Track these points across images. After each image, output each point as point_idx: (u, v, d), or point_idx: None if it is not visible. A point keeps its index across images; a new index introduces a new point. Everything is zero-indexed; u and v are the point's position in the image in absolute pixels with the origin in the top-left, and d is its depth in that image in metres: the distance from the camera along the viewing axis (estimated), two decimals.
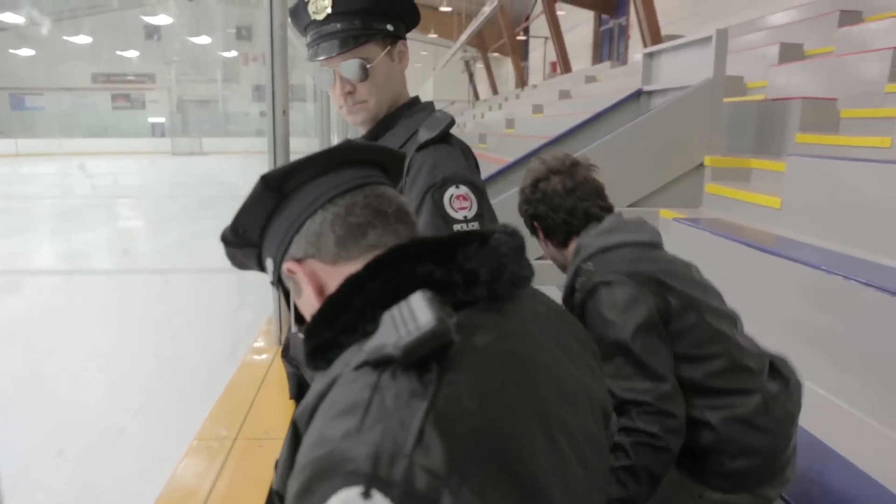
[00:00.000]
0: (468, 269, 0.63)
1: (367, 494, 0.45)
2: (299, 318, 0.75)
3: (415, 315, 0.55)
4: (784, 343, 2.44)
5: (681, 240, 3.33)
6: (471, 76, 24.58)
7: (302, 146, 1.80)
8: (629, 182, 4.28)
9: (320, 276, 0.69)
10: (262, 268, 0.76)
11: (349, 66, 1.19)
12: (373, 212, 0.69)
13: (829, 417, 2.04)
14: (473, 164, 1.23)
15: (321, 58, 1.20)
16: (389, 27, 1.20)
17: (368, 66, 1.20)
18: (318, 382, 0.59)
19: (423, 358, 0.53)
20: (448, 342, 0.54)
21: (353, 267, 0.66)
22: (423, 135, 1.18)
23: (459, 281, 0.63)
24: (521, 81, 21.41)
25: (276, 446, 1.21)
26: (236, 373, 1.57)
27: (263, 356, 1.69)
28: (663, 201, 4.30)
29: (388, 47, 1.21)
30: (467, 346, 0.57)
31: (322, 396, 0.57)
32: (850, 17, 5.81)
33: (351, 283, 0.63)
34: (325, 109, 3.29)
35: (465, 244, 0.65)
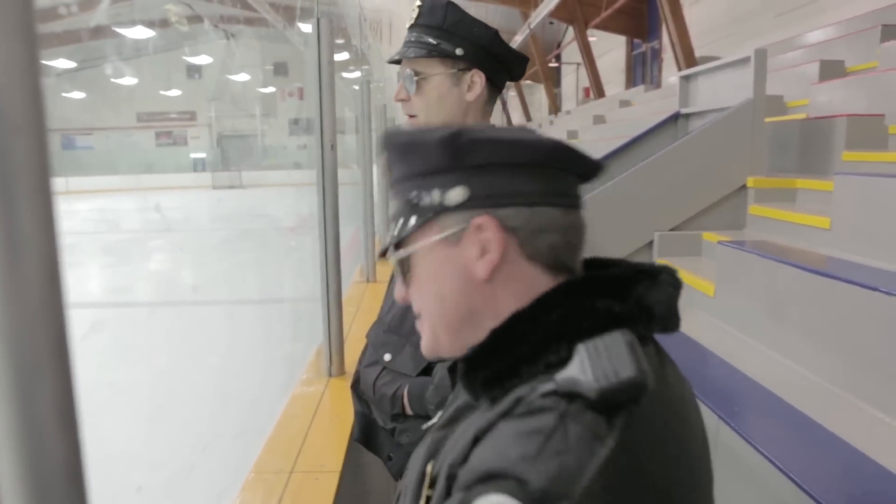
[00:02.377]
0: (645, 305, 0.61)
1: None
2: (399, 259, 0.67)
3: (613, 358, 0.53)
4: (839, 368, 2.37)
5: (727, 264, 3.27)
6: (504, 104, 24.72)
7: (344, 177, 1.83)
8: (671, 205, 4.24)
9: (507, 255, 0.62)
10: (416, 184, 0.65)
11: (405, 74, 1.24)
12: (582, 240, 0.66)
13: (890, 442, 1.96)
14: None
15: (388, 59, 1.26)
16: (459, 51, 1.21)
17: (416, 78, 1.22)
18: (483, 416, 0.58)
19: (616, 403, 0.52)
20: (644, 392, 0.53)
21: (541, 277, 0.63)
22: None
23: (640, 317, 0.60)
24: (555, 108, 21.47)
25: (331, 480, 1.21)
26: (288, 405, 1.58)
27: (313, 388, 1.71)
28: (706, 224, 4.23)
29: (455, 70, 1.22)
30: (654, 394, 0.55)
31: (503, 415, 0.55)
32: (892, 32, 5.70)
33: (521, 317, 0.60)
34: (367, 141, 3.34)
35: (638, 281, 0.63)
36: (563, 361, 0.55)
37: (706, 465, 0.63)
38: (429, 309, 0.67)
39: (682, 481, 0.56)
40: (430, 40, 1.22)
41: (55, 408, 0.36)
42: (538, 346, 0.58)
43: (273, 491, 1.16)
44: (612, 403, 0.52)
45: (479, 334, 0.62)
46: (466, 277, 0.63)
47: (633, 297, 0.61)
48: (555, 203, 0.63)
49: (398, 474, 1.25)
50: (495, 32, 1.24)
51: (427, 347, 0.69)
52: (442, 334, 0.67)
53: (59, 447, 0.37)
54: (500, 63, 1.24)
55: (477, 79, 1.22)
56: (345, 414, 1.47)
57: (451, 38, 1.21)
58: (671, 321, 0.62)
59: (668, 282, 0.64)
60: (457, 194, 0.62)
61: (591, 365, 0.53)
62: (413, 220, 0.64)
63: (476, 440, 0.55)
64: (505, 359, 0.59)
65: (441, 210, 0.62)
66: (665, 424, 0.57)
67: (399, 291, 0.70)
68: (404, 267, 0.67)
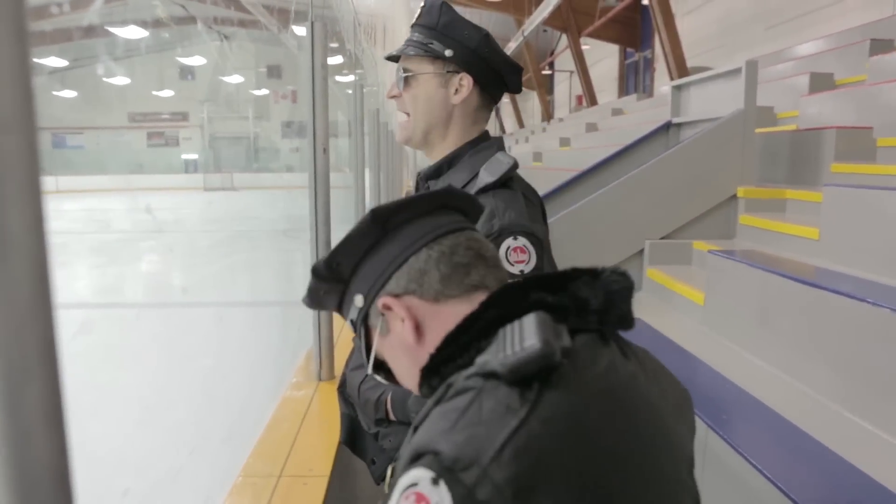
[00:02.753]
0: (580, 296, 0.65)
1: (435, 482, 0.51)
2: (378, 365, 0.77)
3: (524, 335, 0.57)
4: (827, 378, 2.38)
5: (717, 273, 3.28)
6: (497, 110, 24.78)
7: (337, 181, 1.83)
8: (661, 214, 4.26)
9: (419, 312, 0.70)
10: (339, 307, 0.77)
11: (397, 71, 1.25)
12: (474, 254, 0.71)
13: (877, 452, 1.97)
14: (538, 209, 1.21)
15: (385, 55, 1.26)
16: (449, 53, 1.20)
17: (405, 75, 1.22)
18: (430, 401, 0.62)
19: (526, 377, 0.55)
20: (552, 364, 0.55)
21: (455, 305, 0.69)
22: (484, 178, 1.15)
23: (571, 307, 0.64)
24: (548, 115, 21.56)
25: (320, 484, 1.20)
26: (277, 409, 1.57)
27: (303, 392, 1.70)
28: (697, 233, 4.25)
29: (444, 72, 1.21)
30: (575, 372, 0.58)
31: (437, 401, 0.60)
32: (881, 46, 5.77)
33: (470, 317, 0.66)
34: (360, 145, 3.34)
35: (575, 278, 0.67)
36: (487, 347, 0.60)
37: (652, 459, 0.60)
38: (407, 384, 0.76)
39: (608, 463, 0.56)
40: (424, 40, 1.22)
41: (43, 410, 0.36)
42: (473, 336, 0.64)
43: (261, 495, 1.15)
44: (521, 375, 0.55)
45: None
46: (408, 349, 0.71)
47: (569, 290, 0.65)
48: (418, 248, 0.70)
49: (380, 478, 1.24)
50: (485, 35, 1.22)
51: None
52: (409, 380, 0.74)
53: (46, 449, 0.36)
54: (490, 69, 1.22)
55: (465, 82, 1.21)
56: (334, 418, 1.46)
57: (443, 39, 1.21)
58: (611, 314, 0.65)
59: (611, 279, 0.66)
60: (358, 301, 0.73)
61: (503, 344, 0.58)
62: (361, 337, 0.76)
63: (416, 430, 0.60)
64: (445, 352, 0.65)
65: (361, 317, 0.74)
66: (593, 405, 0.57)
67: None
68: (386, 373, 0.78)
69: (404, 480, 0.53)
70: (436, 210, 0.73)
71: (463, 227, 0.73)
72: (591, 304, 0.64)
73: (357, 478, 1.74)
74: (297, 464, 1.28)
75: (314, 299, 0.77)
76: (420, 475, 0.52)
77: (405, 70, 1.23)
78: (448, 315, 0.68)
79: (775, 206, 4.04)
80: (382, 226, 0.71)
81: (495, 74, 1.23)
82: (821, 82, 5.52)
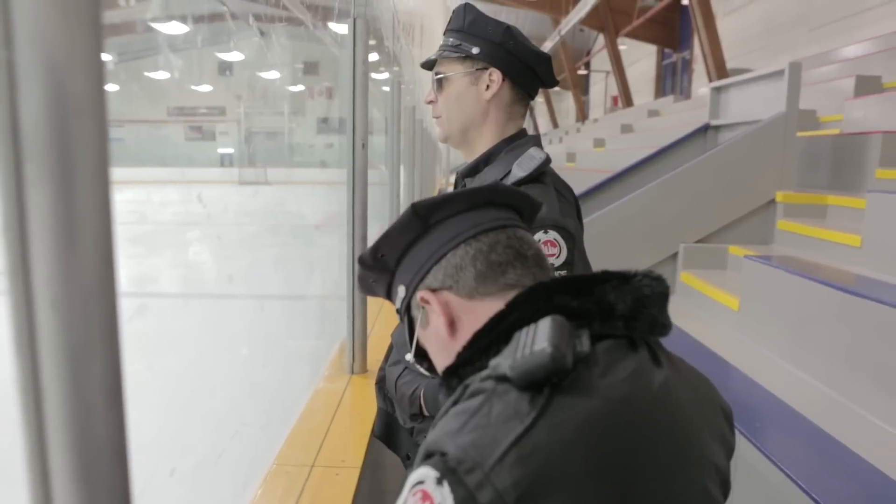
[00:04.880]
0: (605, 301, 0.63)
1: (439, 481, 0.51)
2: (420, 352, 0.78)
3: (536, 339, 0.56)
4: (865, 389, 2.32)
5: (752, 278, 3.23)
6: (531, 110, 24.68)
7: (372, 178, 1.85)
8: (697, 218, 4.20)
9: (454, 308, 0.71)
10: (388, 295, 0.78)
11: (432, 75, 1.27)
12: (514, 253, 0.70)
13: None
14: (571, 205, 1.20)
15: (420, 63, 1.31)
16: (475, 50, 1.21)
17: (437, 77, 1.25)
18: (448, 402, 0.62)
19: (536, 381, 0.54)
20: (563, 369, 0.54)
21: (489, 303, 0.68)
22: (516, 173, 1.16)
23: (595, 313, 0.62)
24: (582, 115, 21.39)
25: (352, 475, 1.22)
26: (310, 400, 1.60)
27: (335, 384, 1.72)
28: (733, 238, 4.19)
29: (473, 70, 1.23)
30: (590, 378, 0.57)
31: (454, 402, 0.60)
32: None
33: (495, 319, 0.65)
34: (396, 142, 3.36)
35: (605, 281, 0.65)
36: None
37: (670, 470, 0.59)
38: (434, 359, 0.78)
39: (619, 472, 0.54)
40: (454, 42, 1.24)
41: (104, 386, 0.37)
42: (494, 339, 0.63)
43: (295, 483, 1.17)
44: (529, 380, 0.54)
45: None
46: (443, 342, 0.72)
47: (595, 294, 0.64)
48: (457, 244, 0.70)
49: None
50: (506, 28, 1.23)
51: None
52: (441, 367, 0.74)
53: (106, 424, 0.38)
54: (518, 61, 1.23)
55: (494, 77, 1.22)
56: (366, 411, 1.48)
57: (470, 38, 1.22)
58: (640, 319, 0.63)
59: (642, 283, 0.65)
60: (401, 291, 0.74)
61: (517, 347, 0.57)
62: (406, 326, 0.77)
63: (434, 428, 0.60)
64: (466, 355, 0.65)
65: (405, 307, 0.75)
66: (607, 412, 0.56)
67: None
68: (420, 349, 0.78)
69: (413, 477, 0.54)
70: (479, 206, 0.72)
71: (506, 224, 0.72)
72: (618, 308, 0.62)
73: (386, 472, 1.76)
74: (329, 454, 1.30)
75: (365, 286, 0.79)
76: (427, 474, 0.52)
77: (437, 73, 1.26)
78: (481, 312, 0.68)
79: (815, 212, 3.96)
80: (423, 220, 0.71)
81: (524, 66, 1.24)
82: (867, 85, 5.38)
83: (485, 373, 0.59)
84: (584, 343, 0.58)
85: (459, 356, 0.67)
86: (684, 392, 0.65)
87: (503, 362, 0.56)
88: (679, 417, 0.62)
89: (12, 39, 0.34)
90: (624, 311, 0.62)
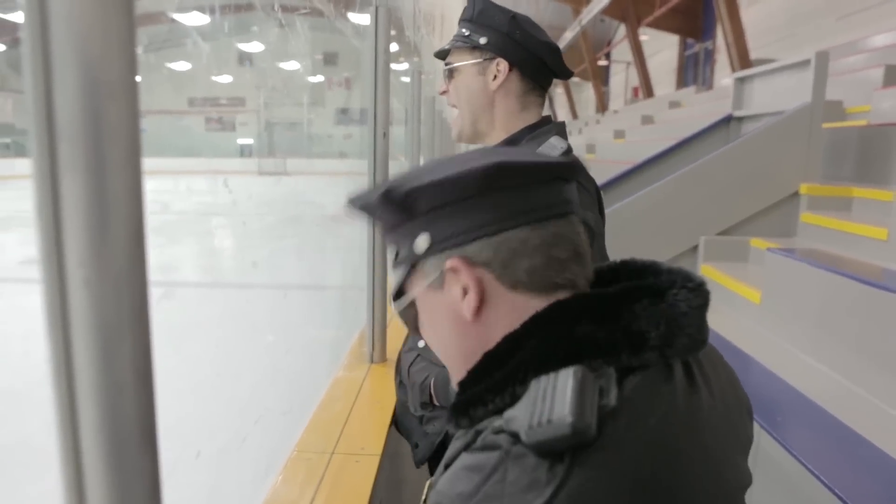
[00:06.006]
0: (635, 330, 0.54)
1: None
2: (408, 313, 0.68)
3: (555, 401, 0.49)
4: (890, 383, 2.29)
5: (775, 271, 3.19)
6: (550, 100, 24.56)
7: (392, 168, 1.85)
8: (719, 209, 4.16)
9: (488, 290, 0.60)
10: (393, 232, 0.64)
11: (444, 66, 1.28)
12: (573, 251, 0.61)
13: None
14: (592, 196, 1.19)
15: (434, 53, 1.32)
16: (483, 40, 1.21)
17: (447, 67, 1.26)
18: (458, 441, 0.57)
19: (556, 451, 0.48)
20: (584, 442, 0.48)
21: (529, 300, 0.59)
22: None
23: (625, 343, 0.54)
24: (602, 106, 21.22)
25: (371, 462, 1.23)
26: (330, 388, 1.61)
27: (355, 373, 1.73)
28: (755, 230, 4.14)
29: (481, 60, 1.23)
30: (617, 434, 0.50)
31: (466, 446, 0.55)
32: None
33: (509, 341, 0.58)
34: (416, 133, 3.36)
35: (635, 299, 0.57)
36: (522, 395, 0.52)
37: None
38: (439, 351, 0.67)
39: None
40: (464, 32, 1.25)
41: (134, 367, 0.38)
42: (508, 375, 0.55)
43: (315, 470, 1.18)
44: (548, 449, 0.48)
45: None
46: (457, 319, 0.61)
47: (622, 320, 0.55)
48: (519, 223, 0.58)
49: (421, 462, 1.26)
50: (512, 16, 1.22)
51: (454, 381, 0.68)
52: (454, 373, 0.65)
53: (136, 404, 0.38)
54: (525, 51, 1.22)
55: (501, 67, 1.22)
56: (385, 400, 1.49)
57: (478, 28, 1.23)
58: (676, 343, 0.55)
59: (678, 299, 0.56)
60: (422, 242, 0.61)
61: (532, 404, 0.50)
62: (401, 270, 0.64)
63: (446, 468, 0.56)
64: (476, 387, 0.57)
65: (416, 259, 0.62)
66: (635, 473, 0.50)
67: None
68: (408, 315, 0.68)
69: None
70: (552, 180, 0.61)
71: (570, 210, 0.62)
72: (650, 337, 0.54)
73: (404, 460, 1.77)
74: (349, 442, 1.31)
75: (366, 208, 0.64)
76: None
77: (447, 63, 1.27)
78: (517, 308, 0.59)
79: (840, 205, 3.89)
80: (488, 182, 0.58)
81: (532, 56, 1.23)
82: None
83: (498, 422, 0.52)
84: (611, 393, 0.51)
85: (465, 385, 0.59)
86: (719, 412, 0.59)
87: (519, 418, 0.50)
88: (713, 450, 0.57)
89: (48, 28, 0.34)
90: (657, 339, 0.54)
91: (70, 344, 0.37)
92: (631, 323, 0.55)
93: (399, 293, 0.66)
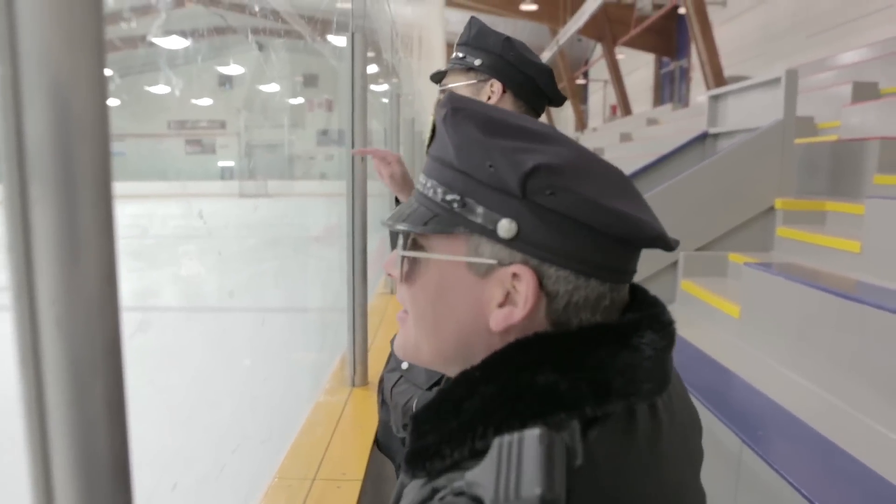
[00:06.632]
0: (600, 379, 0.50)
1: None
2: (404, 277, 0.59)
3: (522, 472, 0.44)
4: (867, 395, 2.32)
5: (753, 286, 3.23)
6: None
7: (372, 189, 1.86)
8: (697, 225, 4.21)
9: (531, 316, 0.53)
10: (465, 185, 0.53)
11: (438, 89, 1.32)
12: (615, 315, 0.56)
13: None
14: None
15: (430, 76, 1.36)
16: (477, 62, 1.24)
17: (441, 88, 1.30)
18: (414, 492, 0.53)
19: None
20: None
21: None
22: None
23: (588, 395, 0.49)
24: (581, 124, 21.46)
25: (353, 488, 1.22)
26: (311, 413, 1.60)
27: (336, 397, 1.72)
28: (733, 245, 4.19)
29: (475, 81, 1.25)
30: (584, 492, 0.47)
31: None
32: None
33: (465, 382, 0.53)
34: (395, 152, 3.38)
35: (598, 344, 0.52)
36: (483, 451, 0.47)
37: None
38: (420, 320, 0.59)
39: None
40: (459, 54, 1.28)
41: (107, 404, 0.38)
42: (466, 427, 0.50)
43: (296, 497, 1.17)
44: None
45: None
46: (475, 316, 0.55)
47: (587, 368, 0.51)
48: (607, 279, 0.53)
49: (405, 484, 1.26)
50: (505, 39, 1.26)
51: (403, 349, 0.62)
52: (426, 350, 0.59)
53: (109, 442, 0.38)
54: (518, 72, 1.24)
55: (495, 88, 1.25)
56: (367, 424, 1.48)
57: (473, 50, 1.26)
58: (639, 394, 0.51)
59: (642, 343, 0.52)
60: (506, 227, 0.51)
61: (496, 469, 0.45)
62: (439, 223, 0.54)
63: None
64: (437, 431, 0.52)
65: (481, 232, 0.53)
66: None
67: (387, 265, 0.61)
68: (407, 263, 0.58)
69: None
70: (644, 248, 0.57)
71: (631, 278, 0.58)
72: (614, 386, 0.50)
73: (387, 483, 1.76)
74: (330, 467, 1.30)
75: (475, 144, 0.53)
76: None
77: (442, 85, 1.29)
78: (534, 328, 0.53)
79: (814, 219, 3.97)
80: (625, 234, 0.52)
81: (525, 78, 1.26)
82: (864, 91, 5.41)
83: (458, 483, 0.47)
84: (578, 451, 0.47)
85: (419, 422, 0.54)
86: (678, 439, 0.57)
87: (482, 485, 0.45)
88: (674, 484, 0.55)
89: (17, 57, 0.35)
90: (621, 389, 0.50)
91: (41, 381, 0.37)
92: (595, 372, 0.50)
93: (413, 242, 0.57)
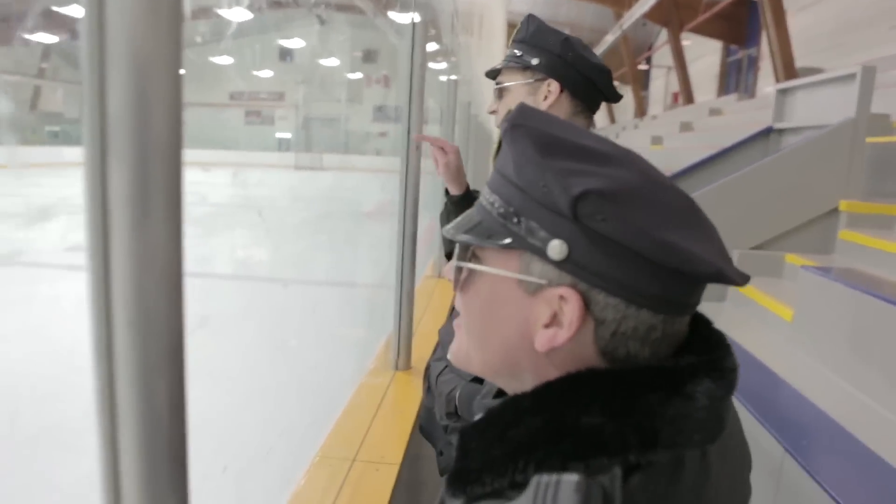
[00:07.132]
0: (646, 427, 0.48)
1: None
2: (461, 286, 0.59)
3: None
4: None
5: (809, 290, 3.13)
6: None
7: (425, 167, 1.88)
8: (754, 223, 4.09)
9: (577, 339, 0.52)
10: (521, 202, 0.53)
11: (494, 86, 1.31)
12: (670, 349, 0.54)
13: None
14: None
15: (485, 72, 1.35)
16: (535, 61, 1.24)
17: (497, 86, 1.29)
18: None
19: None
20: None
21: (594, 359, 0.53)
22: None
23: (634, 442, 0.47)
24: (641, 111, 20.98)
25: (391, 472, 1.26)
26: (354, 395, 1.64)
27: (379, 379, 1.76)
28: (791, 245, 4.06)
29: (532, 80, 1.25)
30: None
31: None
32: None
33: (514, 408, 0.52)
34: (450, 133, 3.39)
35: (649, 389, 0.49)
36: (522, 485, 0.47)
37: None
38: (471, 329, 0.59)
39: None
40: (516, 52, 1.27)
41: (170, 401, 0.41)
42: (507, 457, 0.49)
43: (337, 475, 1.21)
44: None
45: (514, 385, 0.56)
46: (522, 334, 0.54)
47: (635, 413, 0.49)
48: (660, 310, 0.51)
49: (444, 471, 1.29)
50: (565, 38, 1.24)
51: (456, 356, 0.62)
52: (476, 360, 0.59)
53: (170, 435, 0.41)
54: (577, 73, 1.24)
55: (552, 88, 1.24)
56: (408, 408, 1.52)
57: (531, 49, 1.25)
58: (688, 446, 0.49)
59: (696, 393, 0.50)
60: (556, 248, 0.50)
61: None
62: (496, 237, 0.54)
63: None
64: (475, 456, 0.51)
65: (533, 250, 0.52)
66: None
67: (446, 271, 0.61)
68: (463, 273, 0.58)
69: None
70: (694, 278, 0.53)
71: (693, 310, 0.56)
72: (661, 437, 0.48)
73: (424, 464, 1.80)
74: (370, 450, 1.34)
75: (530, 163, 0.52)
76: None
77: (498, 83, 1.28)
78: (584, 365, 0.52)
79: (882, 223, 3.80)
80: (683, 268, 0.50)
81: (583, 78, 1.25)
82: None
83: None
84: (615, 497, 0.45)
85: (465, 437, 0.54)
86: (726, 484, 0.55)
87: None
88: None
89: (104, 29, 0.37)
90: (668, 437, 0.48)
91: (112, 334, 0.40)
92: (643, 419, 0.48)
93: (472, 253, 0.57)
